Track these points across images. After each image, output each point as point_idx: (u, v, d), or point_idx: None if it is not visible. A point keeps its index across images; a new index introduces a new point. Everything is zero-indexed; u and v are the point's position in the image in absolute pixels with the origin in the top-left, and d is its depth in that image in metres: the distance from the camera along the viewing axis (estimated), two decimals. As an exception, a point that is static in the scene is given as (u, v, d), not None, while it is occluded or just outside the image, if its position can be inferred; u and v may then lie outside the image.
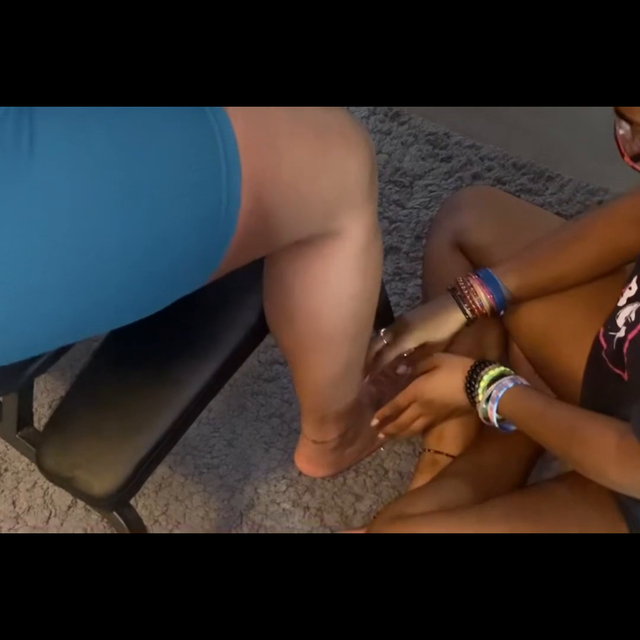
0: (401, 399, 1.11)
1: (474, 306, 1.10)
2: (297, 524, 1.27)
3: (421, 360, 1.12)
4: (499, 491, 1.08)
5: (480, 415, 1.03)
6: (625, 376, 0.92)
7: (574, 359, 1.08)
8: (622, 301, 0.94)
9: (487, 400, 1.01)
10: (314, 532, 1.26)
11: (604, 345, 0.94)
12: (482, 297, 1.09)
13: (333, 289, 0.93)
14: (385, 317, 1.31)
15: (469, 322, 1.12)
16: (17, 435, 1.09)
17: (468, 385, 1.03)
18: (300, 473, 1.30)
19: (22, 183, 0.62)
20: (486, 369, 1.02)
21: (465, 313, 1.10)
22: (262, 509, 1.29)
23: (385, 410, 1.13)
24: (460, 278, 1.11)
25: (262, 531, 1.27)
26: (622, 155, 0.85)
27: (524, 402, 0.98)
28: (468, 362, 1.05)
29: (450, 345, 1.18)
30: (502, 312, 1.11)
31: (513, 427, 1.02)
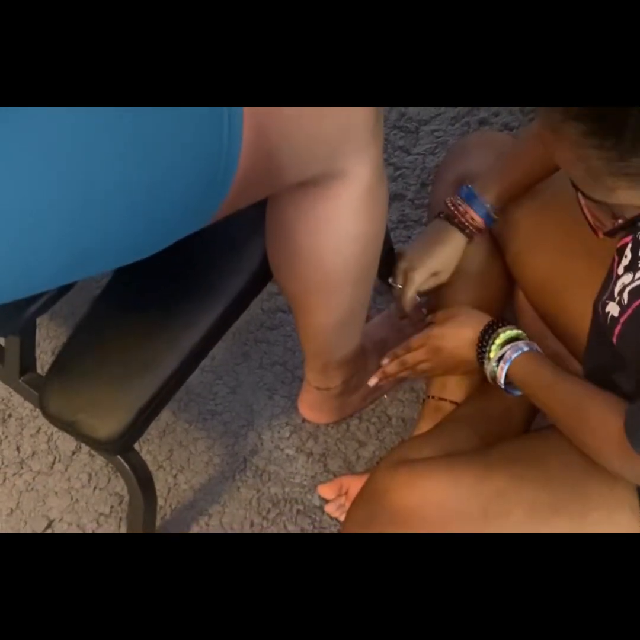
0: (414, 341, 1.11)
1: (469, 225, 1.12)
2: (301, 469, 1.28)
3: (440, 310, 1.13)
4: (502, 436, 1.08)
5: (488, 375, 1.02)
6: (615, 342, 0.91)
7: (576, 306, 1.07)
8: (620, 269, 0.92)
9: (498, 360, 1.00)
10: (318, 477, 1.26)
11: (600, 312, 0.93)
12: (473, 215, 1.12)
13: (337, 231, 0.91)
14: (390, 264, 1.30)
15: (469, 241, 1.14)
16: (20, 381, 1.09)
17: (481, 340, 1.02)
18: (303, 420, 1.30)
19: (25, 115, 0.61)
20: (503, 328, 1.01)
21: (466, 234, 1.13)
22: (265, 455, 1.29)
23: (397, 351, 1.13)
24: (449, 201, 1.13)
25: (265, 476, 1.28)
26: (595, 232, 0.85)
27: (536, 370, 0.97)
28: (485, 318, 1.04)
29: (454, 294, 1.18)
30: (491, 223, 1.13)
31: (517, 392, 1.01)
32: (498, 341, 1.01)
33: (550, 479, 0.97)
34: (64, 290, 0.95)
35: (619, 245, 0.94)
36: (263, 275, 1.05)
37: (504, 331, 1.01)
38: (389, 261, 1.29)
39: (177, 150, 0.70)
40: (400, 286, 1.15)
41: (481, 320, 1.04)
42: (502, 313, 1.25)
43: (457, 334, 1.06)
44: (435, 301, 1.21)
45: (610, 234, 0.83)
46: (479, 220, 1.12)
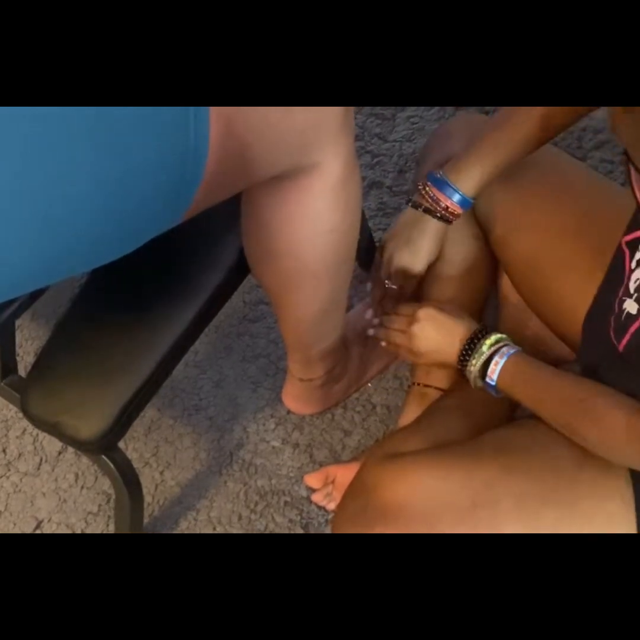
0: (395, 340, 1.11)
1: (445, 212, 1.09)
2: (287, 460, 1.28)
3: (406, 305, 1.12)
4: (489, 424, 1.08)
5: (472, 385, 1.03)
6: (620, 348, 0.90)
7: (562, 286, 1.06)
8: (633, 263, 0.91)
9: (482, 377, 1.00)
10: (304, 468, 1.27)
11: (616, 309, 0.92)
12: (447, 202, 1.08)
13: (311, 223, 0.91)
14: (369, 253, 1.29)
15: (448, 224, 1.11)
16: (2, 384, 1.09)
17: (461, 362, 1.02)
18: (288, 411, 1.30)
19: None
20: (476, 349, 1.00)
21: (442, 219, 1.09)
22: (251, 448, 1.29)
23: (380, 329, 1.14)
24: (419, 189, 1.10)
25: (251, 469, 1.28)
26: None
27: (524, 375, 0.98)
28: (458, 337, 1.02)
29: (438, 284, 1.18)
30: (468, 207, 1.10)
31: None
32: (474, 363, 1.00)
33: (539, 469, 0.96)
34: (36, 295, 0.95)
35: (629, 238, 0.92)
36: (240, 270, 1.05)
37: (478, 350, 1.00)
38: (369, 252, 1.29)
39: (142, 147, 0.69)
40: (394, 287, 1.13)
41: (459, 335, 1.03)
42: (486, 301, 1.25)
43: (437, 344, 1.06)
44: (419, 293, 1.20)
45: None
46: (453, 206, 1.09)
